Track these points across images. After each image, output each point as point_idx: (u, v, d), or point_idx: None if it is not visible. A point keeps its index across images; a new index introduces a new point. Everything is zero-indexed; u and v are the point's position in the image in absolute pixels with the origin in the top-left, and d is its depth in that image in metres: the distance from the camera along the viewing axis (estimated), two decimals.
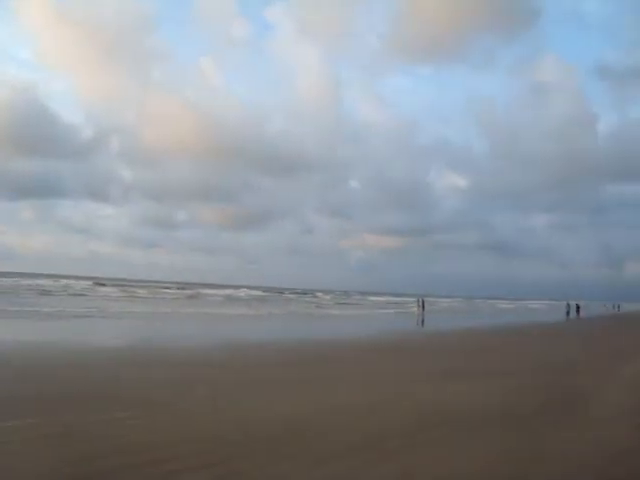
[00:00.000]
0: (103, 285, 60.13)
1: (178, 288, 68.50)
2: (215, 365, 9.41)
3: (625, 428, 5.59)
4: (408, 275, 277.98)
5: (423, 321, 29.74)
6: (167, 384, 7.26)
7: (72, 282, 59.68)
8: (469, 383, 8.27)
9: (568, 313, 45.14)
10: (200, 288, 74.24)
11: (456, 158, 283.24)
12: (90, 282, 63.90)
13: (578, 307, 45.70)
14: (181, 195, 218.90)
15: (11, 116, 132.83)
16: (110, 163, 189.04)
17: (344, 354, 12.16)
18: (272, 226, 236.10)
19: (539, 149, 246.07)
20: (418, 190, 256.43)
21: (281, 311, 35.12)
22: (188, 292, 60.12)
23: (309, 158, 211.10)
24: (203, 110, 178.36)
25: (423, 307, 35.03)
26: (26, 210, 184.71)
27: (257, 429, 5.00)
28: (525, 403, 6.76)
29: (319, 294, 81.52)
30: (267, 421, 5.32)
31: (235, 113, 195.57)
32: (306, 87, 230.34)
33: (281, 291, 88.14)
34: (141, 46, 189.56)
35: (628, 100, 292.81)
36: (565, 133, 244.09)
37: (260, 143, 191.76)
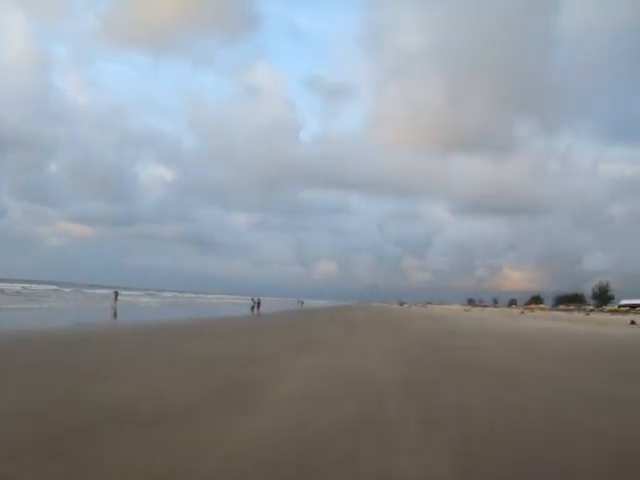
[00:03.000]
0: None
1: None
2: None
3: (290, 414, 6.11)
4: (109, 266, 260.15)
5: (116, 314, 29.92)
6: None
7: None
8: (149, 377, 8.34)
9: (253, 308, 50.50)
10: None
11: (165, 151, 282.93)
12: None
13: (259, 302, 51.73)
14: None
15: None
16: None
17: (17, 349, 11.54)
18: None
19: (246, 150, 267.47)
20: (123, 179, 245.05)
21: None
22: None
23: (6, 135, 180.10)
24: None
25: (116, 298, 37.87)
26: None
27: None
28: (199, 393, 7.05)
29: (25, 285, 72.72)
30: None
31: None
32: (9, 57, 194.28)
33: None
34: None
35: (331, 113, 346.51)
36: (271, 137, 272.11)
37: None
